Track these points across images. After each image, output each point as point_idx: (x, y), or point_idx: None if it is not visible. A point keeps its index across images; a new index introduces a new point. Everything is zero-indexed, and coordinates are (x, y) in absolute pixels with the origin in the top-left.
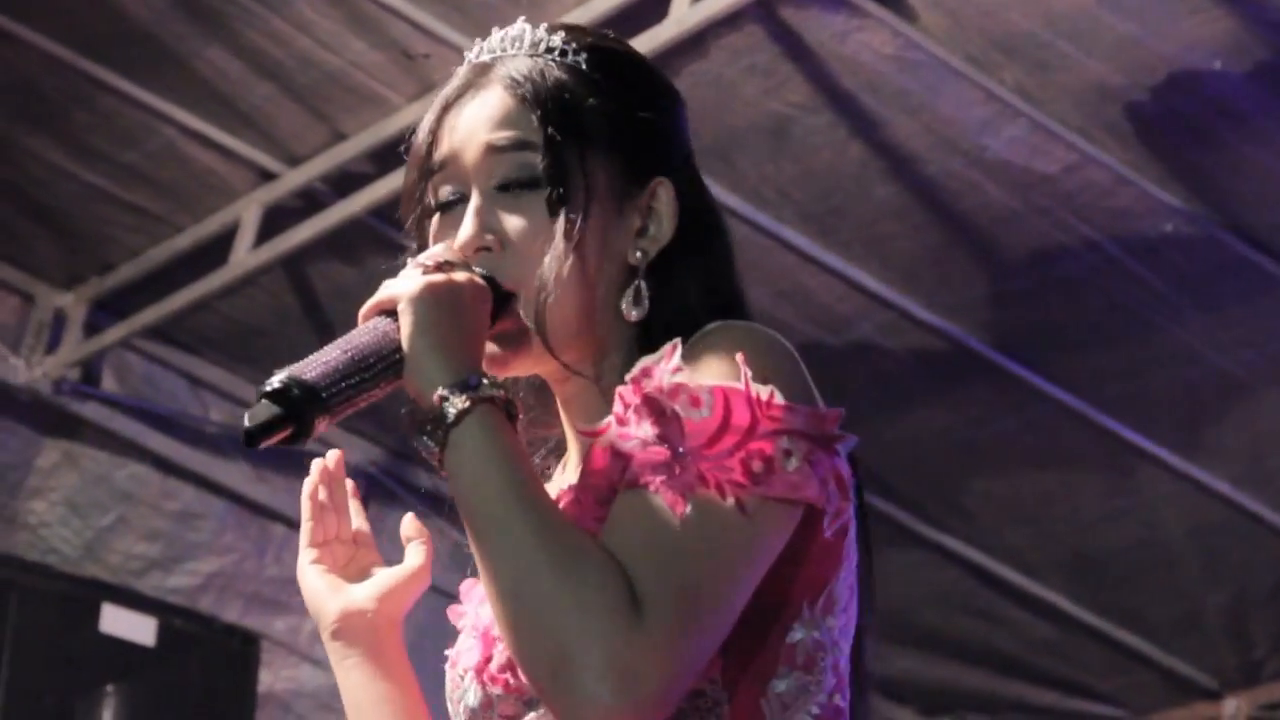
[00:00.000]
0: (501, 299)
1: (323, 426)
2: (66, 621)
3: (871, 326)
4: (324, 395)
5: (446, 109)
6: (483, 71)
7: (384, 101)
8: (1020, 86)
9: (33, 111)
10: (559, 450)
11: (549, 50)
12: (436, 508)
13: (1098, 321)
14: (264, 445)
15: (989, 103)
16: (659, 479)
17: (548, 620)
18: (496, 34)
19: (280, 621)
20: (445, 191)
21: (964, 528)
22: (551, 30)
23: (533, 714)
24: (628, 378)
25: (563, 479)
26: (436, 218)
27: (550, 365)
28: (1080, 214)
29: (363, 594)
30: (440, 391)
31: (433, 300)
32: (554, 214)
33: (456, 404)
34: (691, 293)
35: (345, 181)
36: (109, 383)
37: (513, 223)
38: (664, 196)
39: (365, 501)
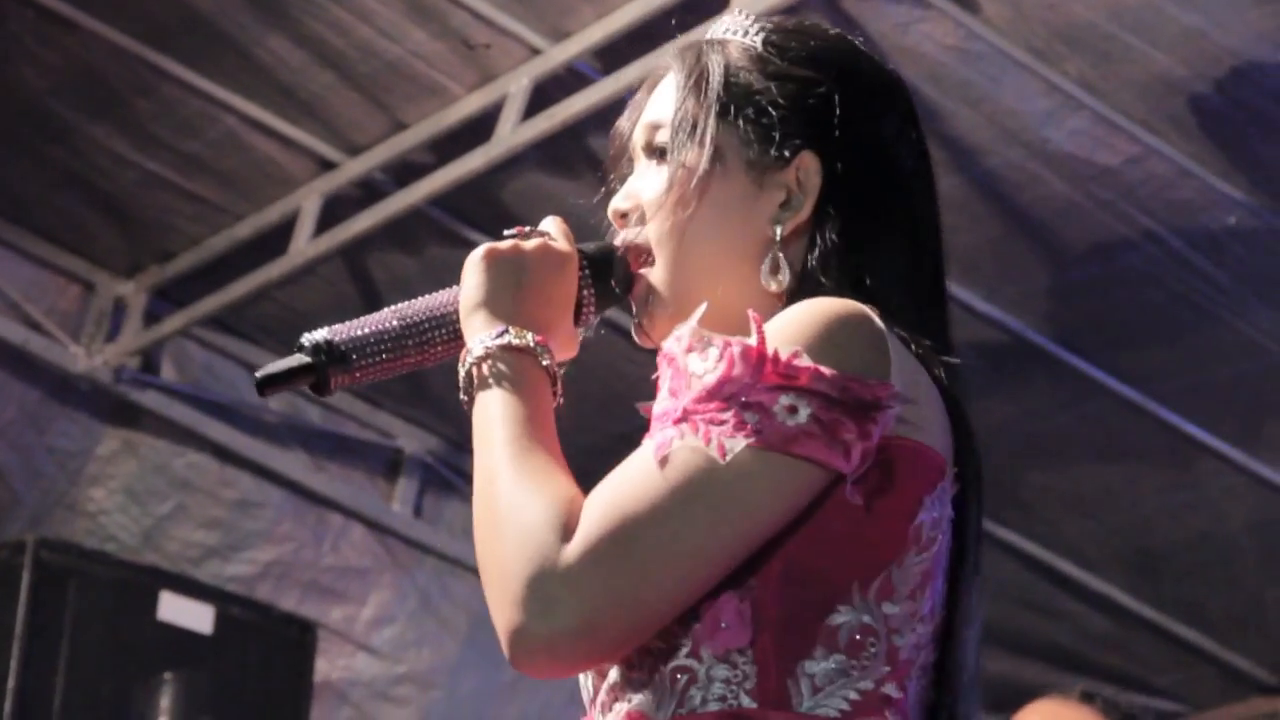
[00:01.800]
0: (610, 268)
1: (345, 381)
2: (124, 609)
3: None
4: (347, 354)
5: (641, 95)
6: (670, 57)
7: (444, 91)
8: (1083, 78)
9: (95, 100)
10: None
11: (732, 31)
12: None
13: (1159, 314)
14: (272, 391)
15: (1051, 94)
16: (656, 432)
17: (490, 551)
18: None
19: (337, 610)
20: (625, 172)
21: (1023, 521)
22: (752, 19)
23: (620, 704)
24: (661, 350)
25: None
26: None
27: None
28: (1142, 206)
29: None
30: (471, 343)
31: (489, 264)
32: (667, 164)
33: (474, 354)
34: (829, 270)
35: (405, 171)
36: (168, 371)
37: (645, 186)
38: (808, 169)
39: (422, 490)
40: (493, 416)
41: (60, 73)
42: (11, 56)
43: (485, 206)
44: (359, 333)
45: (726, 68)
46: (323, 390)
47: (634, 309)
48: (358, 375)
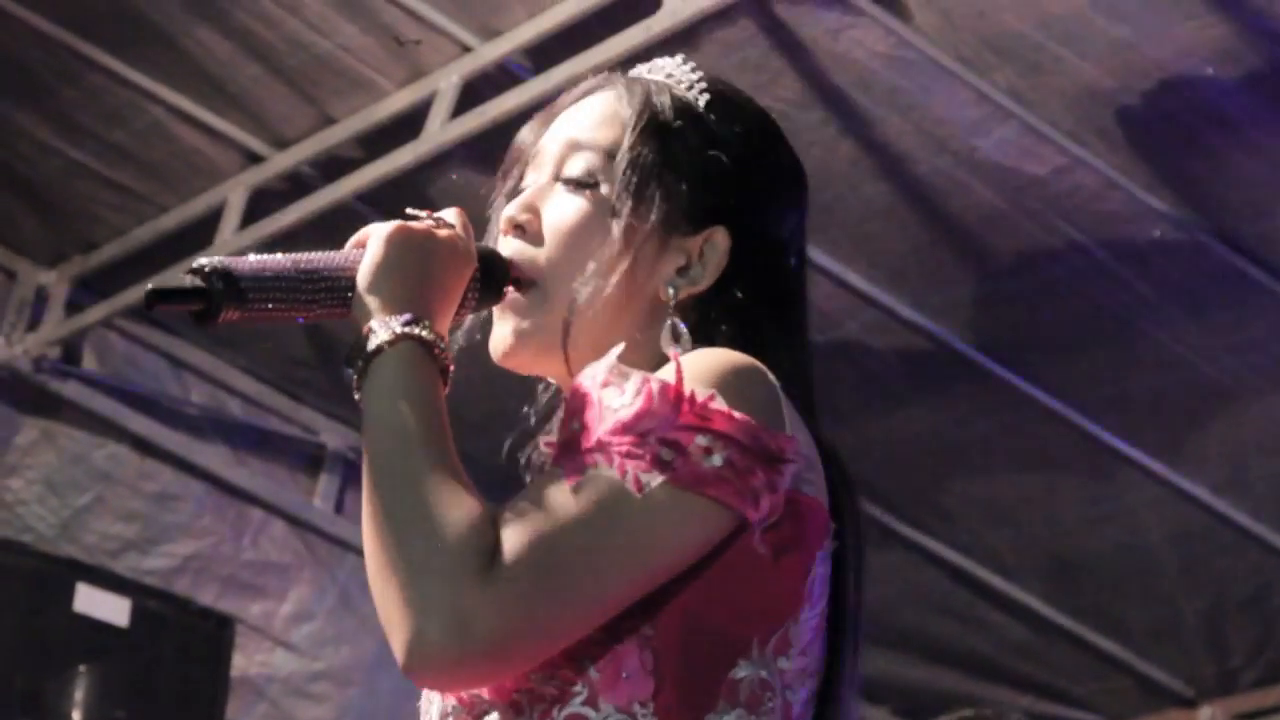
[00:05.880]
0: (500, 276)
1: (234, 317)
2: (40, 600)
3: (857, 325)
4: (244, 290)
5: (560, 108)
6: (605, 80)
7: (373, 86)
8: (1012, 88)
9: (20, 88)
10: None
11: (679, 82)
12: None
13: (1083, 325)
14: (163, 308)
15: (980, 103)
16: (566, 460)
17: (401, 551)
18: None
19: (255, 605)
20: (523, 180)
21: (943, 529)
22: (694, 69)
23: None
24: (572, 385)
25: None
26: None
27: (558, 366)
28: (1068, 217)
29: None
30: (371, 323)
31: (400, 242)
32: (615, 215)
33: (380, 336)
34: (724, 343)
35: (332, 166)
36: (90, 362)
37: (560, 214)
38: (717, 245)
39: (343, 486)
40: (404, 410)
41: None
42: None
43: (413, 203)
44: (258, 271)
45: (671, 116)
46: (208, 320)
47: (505, 323)
48: (247, 314)
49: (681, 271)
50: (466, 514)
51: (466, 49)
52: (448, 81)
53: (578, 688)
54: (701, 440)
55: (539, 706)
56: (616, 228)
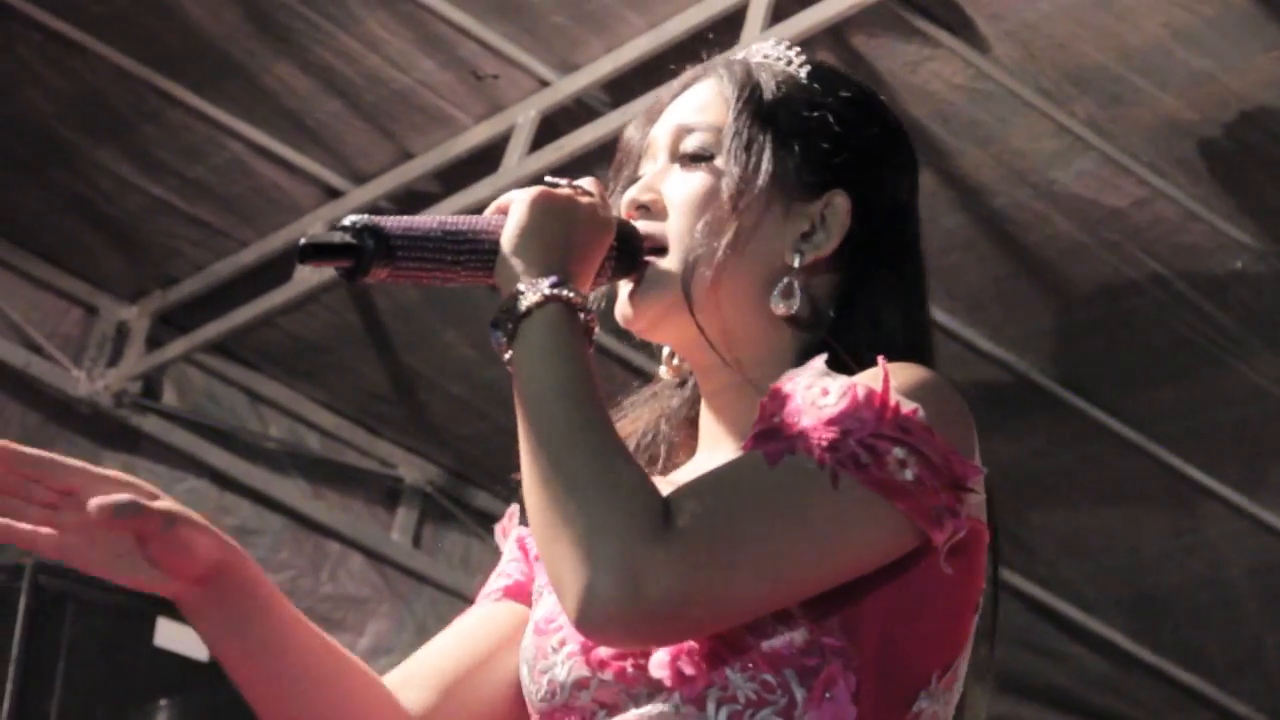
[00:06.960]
0: (634, 247)
1: (383, 275)
2: (121, 634)
3: (936, 357)
4: (394, 247)
5: (663, 104)
6: (705, 69)
7: (451, 121)
8: (1092, 120)
9: (101, 124)
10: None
11: (778, 59)
12: (492, 530)
13: (1164, 357)
14: (314, 264)
15: (1060, 135)
16: (764, 444)
17: (575, 507)
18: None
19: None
20: (640, 171)
21: (1023, 561)
22: (790, 47)
23: (635, 711)
24: (771, 388)
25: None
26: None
27: (688, 332)
28: (1149, 249)
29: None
30: (519, 284)
31: (544, 206)
32: (725, 178)
33: (530, 297)
34: (861, 313)
35: (411, 200)
36: (169, 397)
37: (680, 188)
38: (837, 208)
39: (421, 520)
40: (561, 369)
41: (66, 96)
42: (18, 79)
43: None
44: (407, 229)
45: (775, 87)
46: (357, 276)
47: (632, 288)
48: (394, 273)
49: (805, 237)
50: (637, 474)
51: (544, 83)
52: (526, 116)
53: (776, 695)
54: (898, 452)
55: (730, 706)
56: (725, 189)
